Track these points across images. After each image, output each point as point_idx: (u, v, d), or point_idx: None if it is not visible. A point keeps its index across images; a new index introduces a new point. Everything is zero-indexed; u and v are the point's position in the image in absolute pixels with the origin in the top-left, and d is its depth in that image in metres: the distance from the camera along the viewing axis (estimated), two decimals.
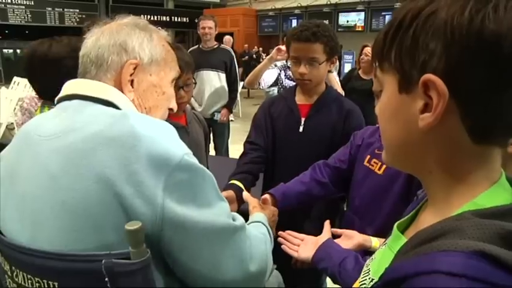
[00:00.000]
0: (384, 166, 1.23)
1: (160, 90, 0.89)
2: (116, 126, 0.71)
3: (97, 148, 0.69)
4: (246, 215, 1.24)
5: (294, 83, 2.94)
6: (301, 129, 1.63)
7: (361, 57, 4.18)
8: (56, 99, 0.82)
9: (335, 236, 1.18)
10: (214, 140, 4.20)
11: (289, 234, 1.20)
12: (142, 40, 0.85)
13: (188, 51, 4.12)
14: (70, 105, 0.79)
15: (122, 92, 0.83)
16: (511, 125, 0.45)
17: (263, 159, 1.66)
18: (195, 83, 3.35)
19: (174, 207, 0.69)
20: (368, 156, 1.31)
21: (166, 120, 0.97)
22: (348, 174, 1.40)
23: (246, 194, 1.28)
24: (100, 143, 0.69)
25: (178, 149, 0.72)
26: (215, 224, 0.74)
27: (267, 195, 1.33)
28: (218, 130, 4.11)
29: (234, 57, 4.10)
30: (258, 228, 1.00)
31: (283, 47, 2.78)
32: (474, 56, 0.42)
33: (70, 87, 0.82)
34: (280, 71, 3.00)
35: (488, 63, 0.42)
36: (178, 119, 1.61)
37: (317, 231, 1.56)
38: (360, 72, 4.18)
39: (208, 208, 0.75)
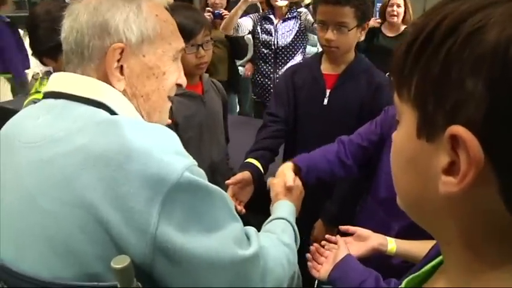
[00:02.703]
0: None
1: (158, 71, 0.76)
2: (104, 138, 0.61)
3: (79, 167, 0.59)
4: (266, 198, 1.16)
5: (271, 38, 2.67)
6: (325, 101, 1.50)
7: (388, 9, 3.36)
8: (43, 92, 0.73)
9: (347, 234, 1.09)
10: (238, 96, 4.09)
11: (317, 250, 1.08)
12: (127, 16, 0.71)
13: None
14: (55, 106, 0.69)
15: (110, 82, 0.71)
16: None
17: (283, 132, 1.55)
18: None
19: (171, 234, 0.59)
20: None
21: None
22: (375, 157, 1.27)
23: (270, 182, 1.17)
24: (83, 161, 0.60)
25: (177, 163, 0.60)
26: (220, 255, 0.64)
27: (291, 166, 1.21)
28: (242, 85, 3.97)
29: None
30: (280, 237, 0.86)
31: None
32: None
33: (56, 82, 0.72)
34: (256, 22, 2.78)
35: None
36: (194, 87, 1.51)
37: (338, 212, 1.48)
38: (383, 28, 3.47)
39: (214, 233, 0.64)
